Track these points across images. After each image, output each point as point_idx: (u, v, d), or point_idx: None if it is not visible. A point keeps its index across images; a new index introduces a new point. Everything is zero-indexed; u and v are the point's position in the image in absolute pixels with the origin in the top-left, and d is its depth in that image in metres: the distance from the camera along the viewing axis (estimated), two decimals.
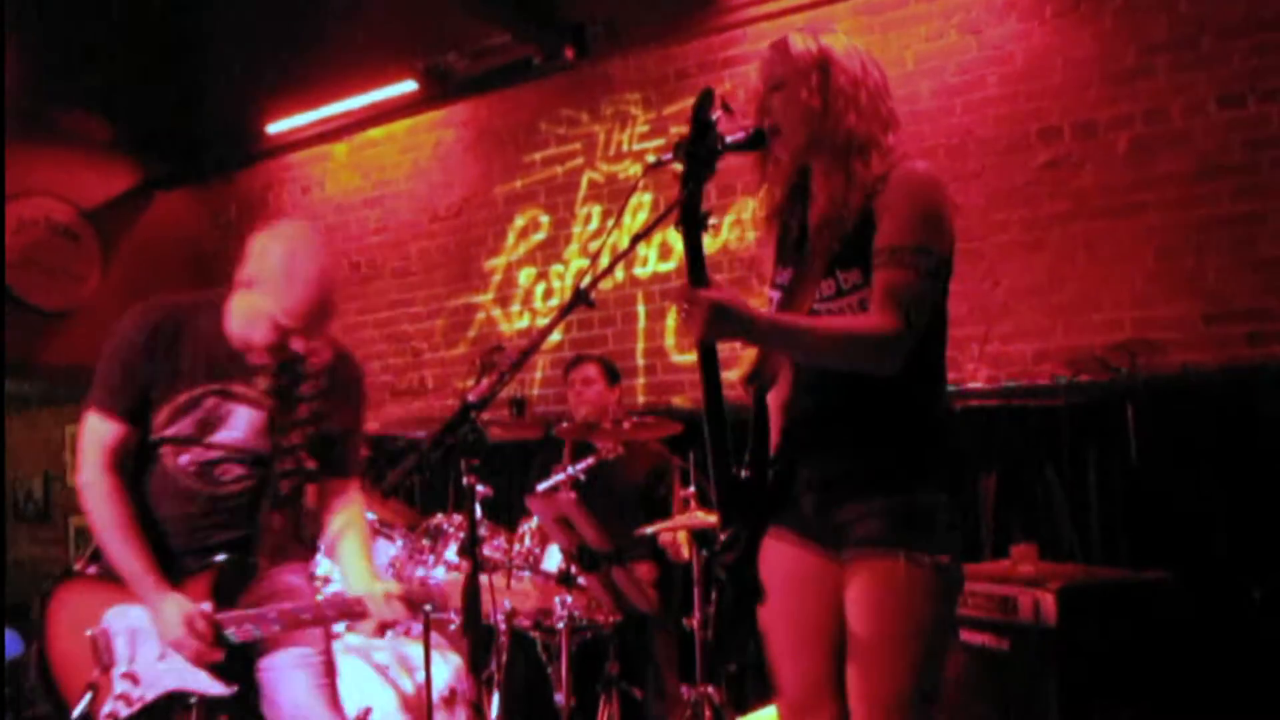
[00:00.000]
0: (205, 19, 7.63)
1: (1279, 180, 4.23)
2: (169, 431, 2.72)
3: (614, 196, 5.99)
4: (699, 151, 2.12)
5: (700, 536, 4.12)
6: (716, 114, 2.15)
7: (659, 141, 5.83)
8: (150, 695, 2.71)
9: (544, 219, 6.26)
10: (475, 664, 3.21)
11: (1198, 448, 4.12)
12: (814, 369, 2.26)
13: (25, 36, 6.78)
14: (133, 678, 2.72)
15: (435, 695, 3.91)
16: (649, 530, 4.15)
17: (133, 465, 2.76)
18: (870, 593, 2.18)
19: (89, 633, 2.73)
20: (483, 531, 4.06)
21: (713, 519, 3.87)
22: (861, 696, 2.18)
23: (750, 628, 2.34)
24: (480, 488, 3.14)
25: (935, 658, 2.22)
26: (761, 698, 4.16)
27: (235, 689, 2.71)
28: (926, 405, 2.27)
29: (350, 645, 4.11)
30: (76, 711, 2.69)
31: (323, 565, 4.20)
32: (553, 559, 4.12)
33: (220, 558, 2.73)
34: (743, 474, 2.21)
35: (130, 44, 7.44)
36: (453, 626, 4.09)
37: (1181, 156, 4.40)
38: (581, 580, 3.83)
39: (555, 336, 5.95)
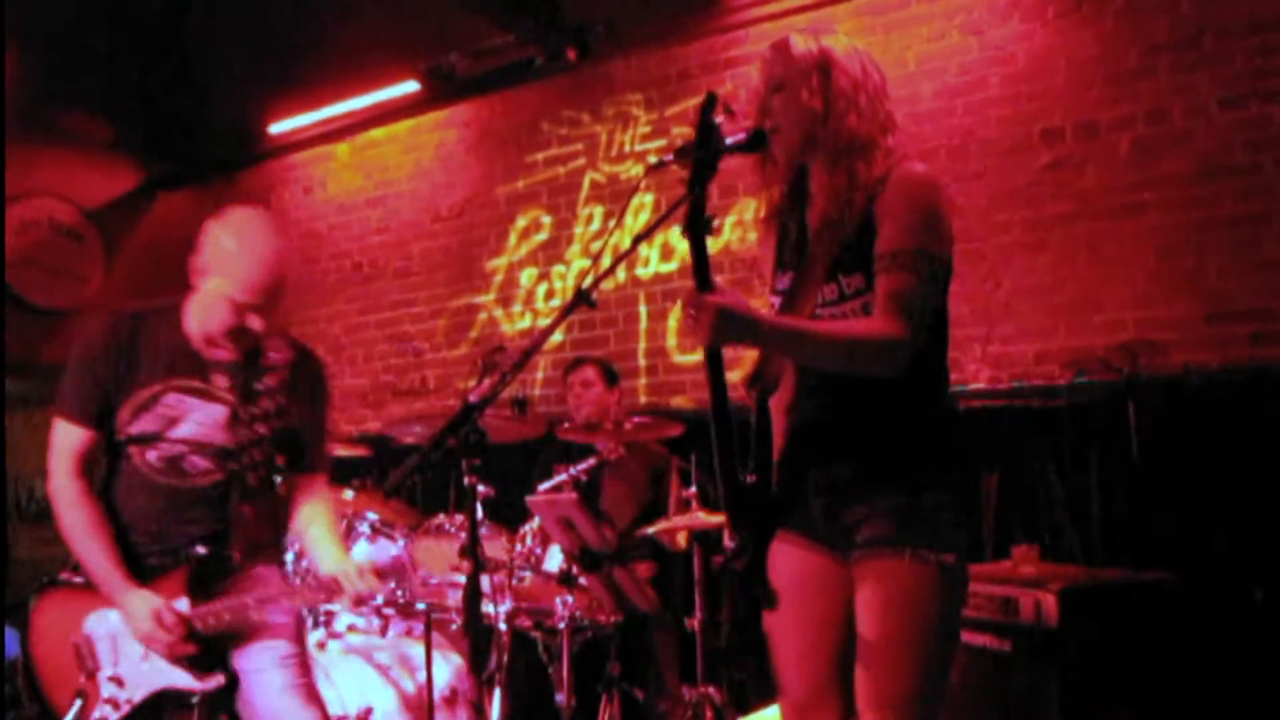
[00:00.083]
0: (207, 20, 7.63)
1: None
2: (133, 430, 2.76)
3: (616, 197, 5.99)
4: (703, 156, 2.12)
5: (702, 537, 4.11)
6: (720, 118, 2.15)
7: (661, 142, 5.83)
8: (138, 696, 2.73)
9: (546, 219, 6.26)
10: (476, 664, 3.21)
11: (1199, 448, 4.12)
12: (816, 371, 2.26)
13: (28, 37, 6.79)
14: (118, 681, 2.74)
15: (436, 695, 3.91)
16: (650, 530, 4.15)
17: (104, 468, 2.81)
18: (877, 593, 2.19)
19: (72, 640, 2.76)
20: (484, 532, 4.06)
21: (714, 520, 3.88)
22: (869, 696, 2.19)
23: (758, 631, 2.35)
24: (481, 488, 3.14)
25: (943, 657, 2.23)
26: (763, 698, 4.16)
27: (221, 680, 2.74)
28: (929, 406, 2.28)
29: (351, 645, 4.12)
30: (66, 719, 2.70)
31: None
32: (554, 559, 4.12)
33: (193, 551, 2.75)
34: (748, 479, 2.21)
35: (133, 45, 7.45)
36: (454, 627, 4.09)
37: (1183, 157, 4.40)
38: (583, 580, 3.83)
39: (557, 337, 5.95)
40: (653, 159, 5.06)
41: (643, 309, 5.88)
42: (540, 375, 6.16)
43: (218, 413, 2.81)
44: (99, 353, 2.77)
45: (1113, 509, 4.28)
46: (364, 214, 7.09)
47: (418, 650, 4.07)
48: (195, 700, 2.77)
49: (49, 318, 7.06)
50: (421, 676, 3.94)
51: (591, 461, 4.25)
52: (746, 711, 4.02)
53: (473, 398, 2.35)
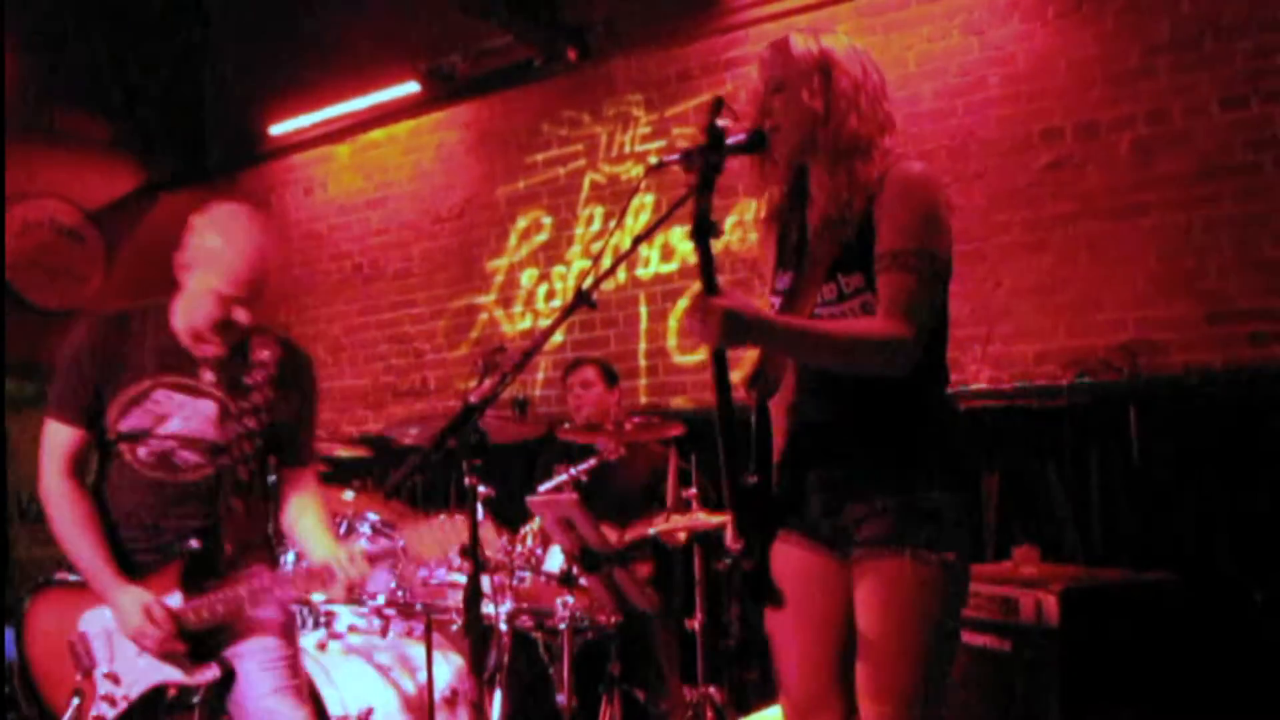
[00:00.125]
0: (208, 22, 7.64)
1: None
2: (122, 426, 2.78)
3: (616, 198, 5.99)
4: (711, 160, 2.12)
5: (702, 538, 4.11)
6: (725, 123, 2.15)
7: (661, 143, 5.83)
8: (135, 693, 2.74)
9: (546, 220, 6.26)
10: (477, 664, 3.21)
11: (1200, 448, 4.11)
12: (816, 371, 2.27)
13: (30, 39, 6.80)
14: (114, 678, 2.75)
15: (437, 695, 3.92)
16: (650, 531, 4.15)
17: (97, 468, 2.84)
18: (878, 592, 2.19)
19: (67, 639, 2.76)
20: (484, 532, 4.06)
21: (714, 520, 3.88)
22: (871, 695, 2.19)
23: (762, 632, 2.35)
24: (482, 488, 3.14)
25: (944, 655, 2.23)
26: (764, 699, 4.16)
27: (217, 673, 2.75)
28: (929, 404, 2.29)
29: (352, 646, 4.12)
30: (65, 718, 2.70)
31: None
32: (554, 560, 4.13)
33: (186, 546, 2.76)
34: (750, 480, 2.21)
35: (134, 46, 7.46)
36: (454, 627, 4.09)
37: (1184, 157, 4.40)
38: (583, 581, 3.83)
39: (557, 337, 5.95)
40: (653, 160, 5.03)
41: (643, 309, 5.88)
42: (541, 376, 6.17)
43: (206, 408, 2.82)
44: (86, 353, 2.79)
45: (1113, 509, 4.28)
46: (364, 215, 7.09)
47: (418, 651, 4.07)
48: (196, 701, 2.78)
49: (50, 318, 7.06)
50: (422, 677, 3.94)
51: (592, 462, 4.25)
52: (747, 712, 4.02)
53: (473, 398, 2.36)
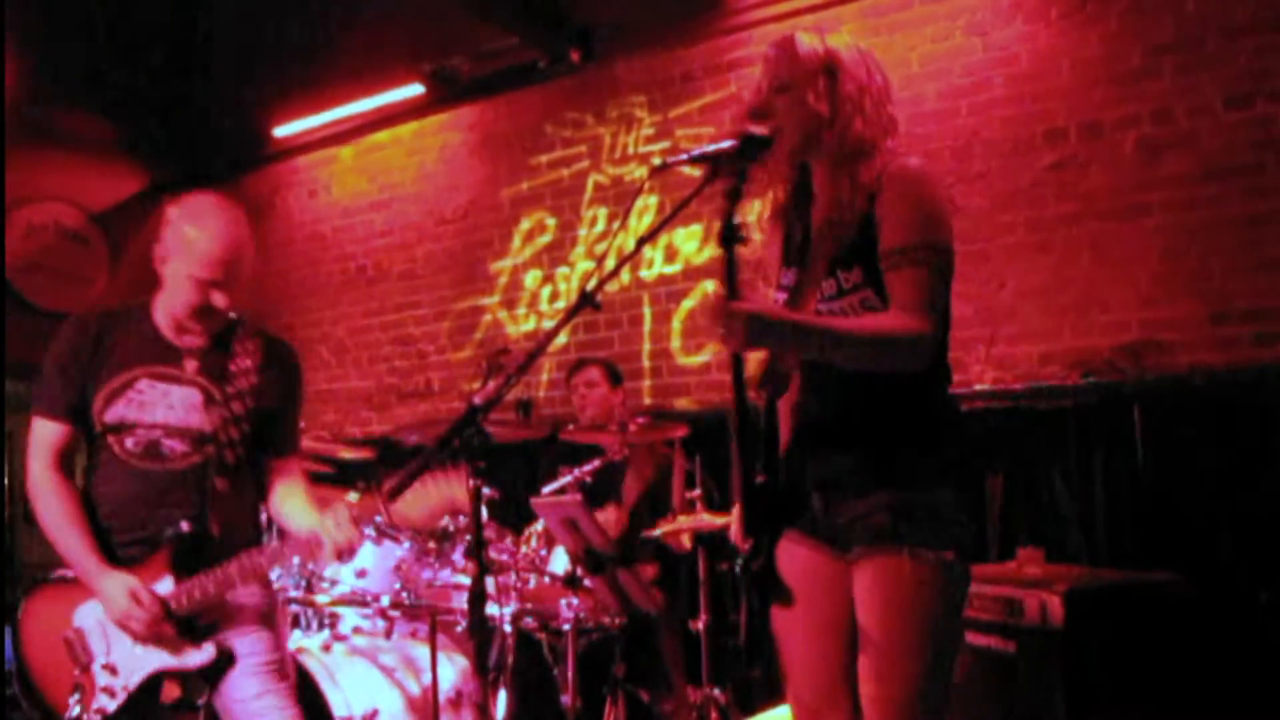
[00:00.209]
0: (212, 24, 7.66)
1: None
2: (108, 417, 2.81)
3: (620, 199, 6.00)
4: (742, 168, 2.14)
5: (707, 539, 4.11)
6: (760, 131, 2.17)
7: (665, 144, 5.83)
8: (134, 682, 2.75)
9: (550, 222, 6.27)
10: (481, 665, 3.21)
11: (1205, 449, 4.11)
12: (819, 369, 2.27)
13: (34, 42, 6.81)
14: (112, 669, 2.76)
15: (442, 697, 3.92)
16: (656, 532, 4.15)
17: (87, 464, 2.88)
18: (876, 590, 2.20)
19: (63, 635, 2.78)
20: (489, 534, 4.06)
21: (719, 521, 3.87)
22: (872, 694, 2.19)
23: (769, 631, 2.35)
24: (486, 490, 3.14)
25: (945, 653, 2.23)
26: (769, 699, 4.16)
27: (213, 653, 2.76)
28: (931, 403, 2.29)
29: (357, 647, 4.12)
30: (69, 715, 2.72)
31: (329, 567, 4.21)
32: (559, 561, 4.13)
33: (174, 529, 2.77)
34: (759, 479, 2.21)
35: (138, 49, 7.47)
36: (459, 628, 4.10)
37: (1188, 157, 4.40)
38: (588, 582, 3.83)
39: (561, 339, 5.96)
40: (657, 161, 5.07)
41: (647, 310, 5.88)
42: (545, 377, 6.17)
43: (191, 396, 2.85)
44: (69, 351, 2.84)
45: (1118, 510, 4.27)
46: (368, 217, 7.10)
47: (423, 652, 4.07)
48: (201, 703, 2.79)
49: (54, 321, 7.08)
50: (426, 678, 3.94)
51: (596, 463, 4.25)
52: (752, 712, 4.02)
53: (477, 400, 2.35)
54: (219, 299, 2.80)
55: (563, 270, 6.20)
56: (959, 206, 4.68)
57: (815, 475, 2.30)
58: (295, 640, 4.22)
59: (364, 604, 4.11)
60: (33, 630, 2.83)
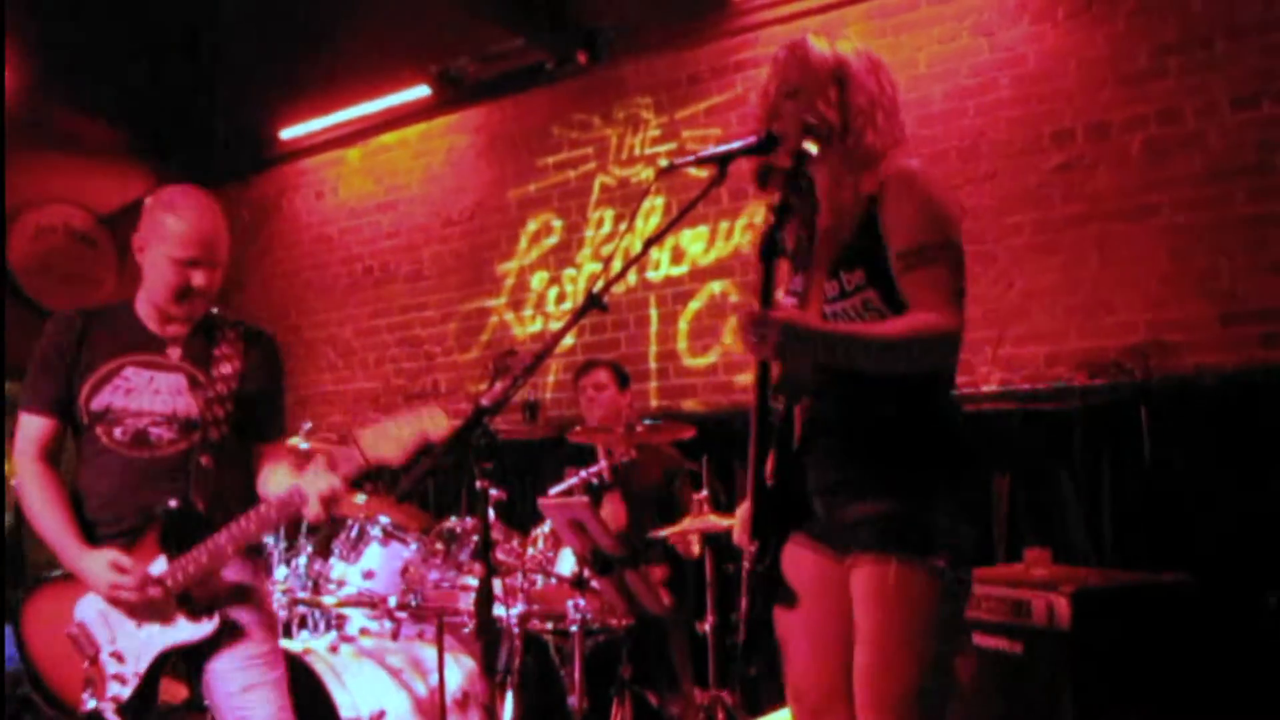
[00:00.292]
0: (219, 26, 7.67)
1: None
2: (95, 405, 2.85)
3: (626, 200, 6.00)
4: (798, 184, 2.14)
5: (714, 541, 4.11)
6: (812, 149, 2.16)
7: (671, 145, 5.84)
8: (143, 666, 2.78)
9: (556, 223, 6.27)
10: (489, 667, 3.22)
11: (1212, 450, 4.10)
12: (827, 373, 2.27)
13: (41, 45, 6.83)
14: (119, 656, 2.79)
15: (449, 698, 3.92)
16: (663, 533, 4.16)
17: (76, 457, 2.91)
18: (869, 596, 2.20)
19: (67, 632, 2.80)
20: (496, 535, 4.07)
21: (726, 523, 3.87)
22: (864, 700, 2.20)
23: (772, 632, 2.35)
24: (493, 491, 3.14)
25: (940, 660, 2.22)
26: (775, 701, 4.16)
27: (217, 623, 2.80)
28: (934, 406, 2.29)
29: (364, 648, 4.13)
30: (85, 709, 2.73)
31: (336, 569, 4.22)
32: (566, 562, 4.13)
33: (161, 507, 2.81)
34: (769, 483, 2.21)
35: (145, 51, 7.48)
36: (466, 630, 4.10)
37: (1195, 158, 4.39)
38: (595, 583, 3.83)
39: (568, 340, 5.96)
40: (663, 162, 5.08)
41: (653, 312, 5.88)
42: (551, 379, 6.17)
43: (177, 381, 2.91)
44: (53, 348, 2.90)
45: (1125, 511, 4.27)
46: (375, 218, 7.11)
47: (430, 653, 4.08)
48: (208, 703, 2.83)
49: None
50: (434, 679, 3.95)
51: (603, 464, 4.25)
52: (758, 714, 4.02)
53: (485, 401, 2.36)
54: (199, 278, 2.86)
55: (569, 272, 6.20)
56: (966, 207, 4.67)
57: (818, 480, 2.30)
58: (302, 641, 4.23)
59: (371, 605, 4.12)
60: (36, 631, 2.85)
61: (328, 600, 4.20)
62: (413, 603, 4.02)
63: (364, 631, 4.36)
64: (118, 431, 2.86)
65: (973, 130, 4.90)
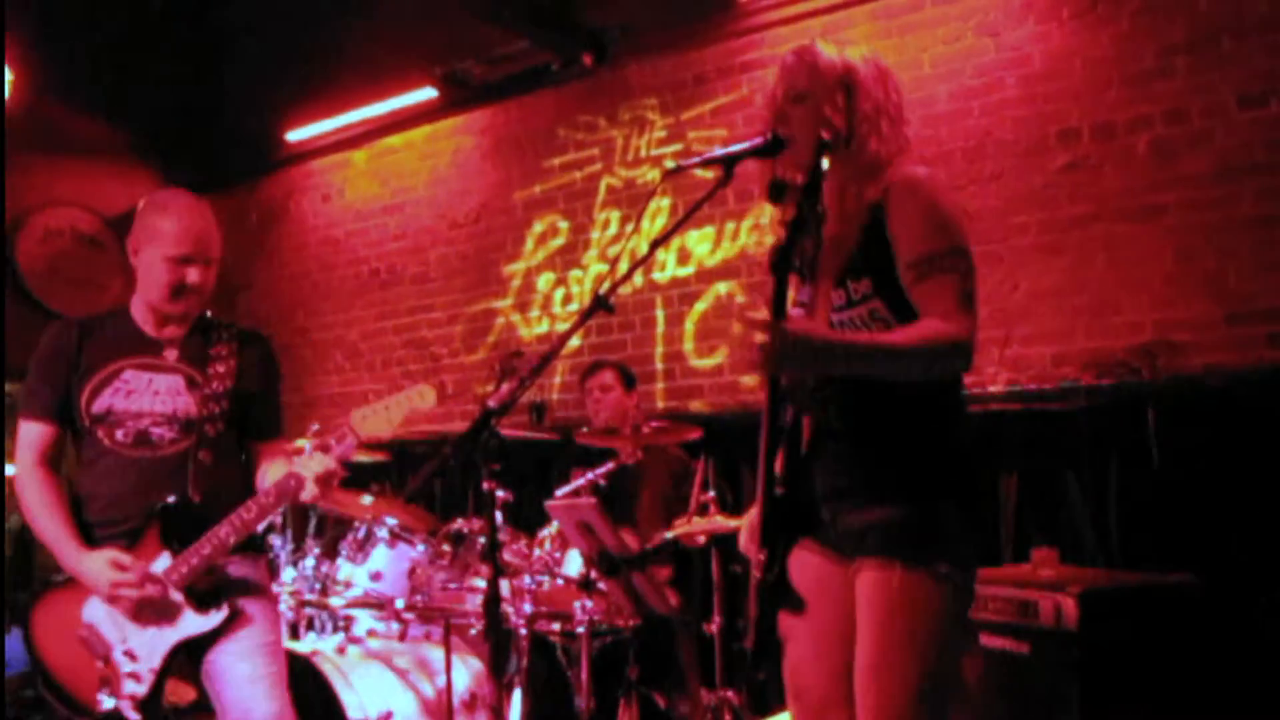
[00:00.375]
0: (225, 29, 7.69)
1: None
2: (96, 408, 2.90)
3: (632, 201, 6.00)
4: (811, 202, 2.13)
5: (720, 542, 4.12)
6: (828, 165, 2.16)
7: (677, 146, 5.84)
8: (156, 662, 2.82)
9: (563, 224, 6.28)
10: (496, 668, 3.22)
11: (1220, 450, 4.09)
12: (836, 382, 2.27)
13: (48, 48, 6.85)
14: (131, 654, 2.82)
15: (456, 699, 3.93)
16: (670, 534, 4.16)
17: (77, 460, 2.96)
18: (871, 601, 2.21)
19: (77, 635, 2.83)
20: (503, 536, 4.07)
21: (733, 523, 3.88)
22: (864, 703, 2.21)
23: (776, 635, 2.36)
24: (500, 493, 3.15)
25: (941, 665, 2.22)
26: (782, 702, 4.16)
27: (225, 613, 2.84)
28: (939, 411, 2.29)
29: (371, 650, 4.14)
30: (102, 709, 2.76)
31: (343, 570, 4.23)
32: (573, 564, 4.13)
33: (160, 505, 2.86)
34: (779, 491, 2.21)
35: (152, 54, 7.50)
36: (473, 631, 4.11)
37: (1202, 157, 4.38)
38: (602, 585, 3.84)
39: (574, 341, 5.96)
40: (670, 163, 5.08)
41: (660, 313, 5.89)
42: (558, 380, 6.18)
43: (175, 382, 2.96)
44: (51, 354, 2.95)
45: (1132, 511, 4.26)
46: (381, 220, 7.12)
47: (437, 654, 4.09)
48: (210, 694, 2.88)
49: None
50: (441, 681, 3.95)
51: (610, 466, 4.26)
52: (765, 715, 4.02)
53: (491, 403, 2.36)
54: (193, 274, 2.92)
55: (575, 273, 6.21)
56: (972, 208, 4.68)
57: (825, 486, 2.31)
58: (309, 643, 4.24)
59: (378, 607, 4.13)
60: (46, 634, 2.87)
61: (335, 602, 4.21)
62: (420, 604, 4.03)
63: (371, 633, 4.37)
64: (119, 433, 2.90)
65: (978, 130, 4.90)
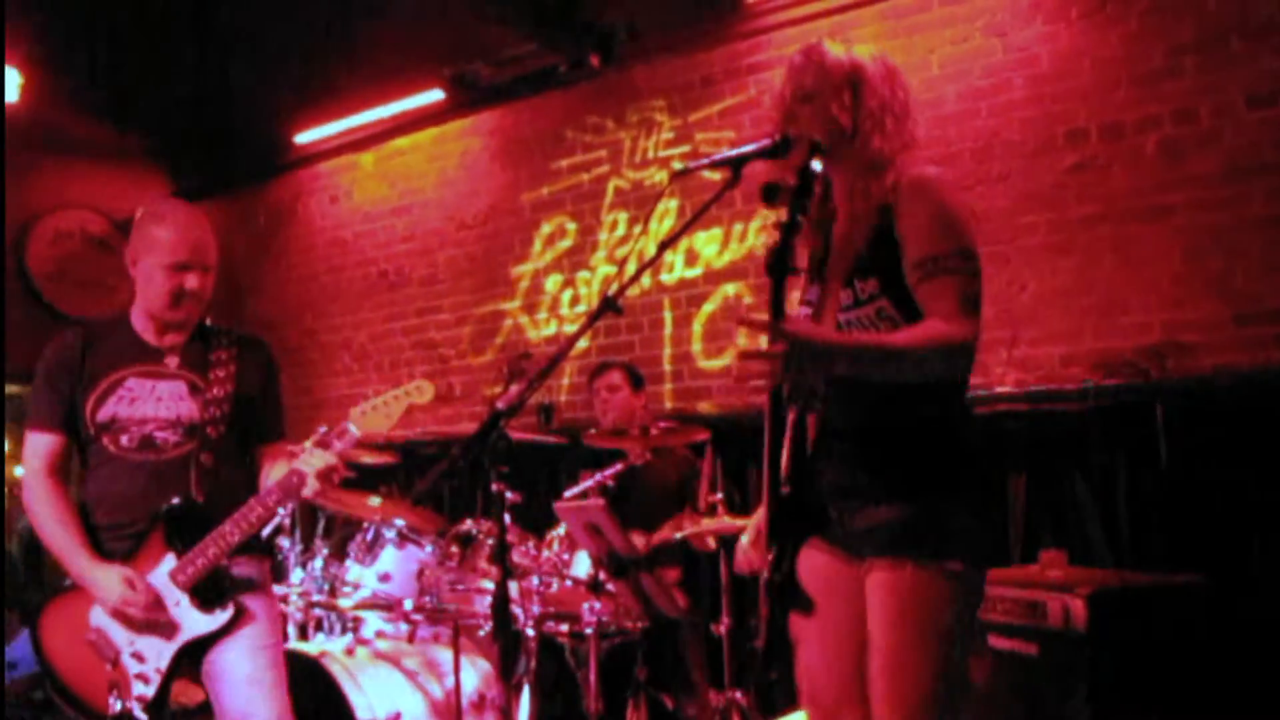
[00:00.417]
0: (234, 32, 7.71)
1: None
2: (101, 416, 2.93)
3: (640, 203, 6.01)
4: (801, 203, 2.13)
5: (729, 542, 4.11)
6: (818, 167, 2.16)
7: (685, 148, 5.84)
8: (164, 663, 2.84)
9: (570, 226, 6.28)
10: (504, 669, 3.23)
11: (1229, 450, 4.08)
12: (841, 381, 2.27)
13: (56, 52, 6.87)
14: (139, 656, 2.85)
15: (464, 701, 3.93)
16: (678, 536, 4.16)
17: (84, 468, 3.00)
18: (883, 602, 2.21)
19: (86, 639, 2.85)
20: (511, 538, 4.08)
21: (741, 524, 3.88)
22: (882, 699, 2.20)
23: (788, 635, 2.36)
24: (509, 494, 3.16)
25: (954, 663, 2.23)
26: (791, 703, 4.16)
27: (231, 612, 2.88)
28: (945, 410, 2.29)
29: (380, 651, 4.14)
30: (112, 712, 2.78)
31: (352, 571, 4.23)
32: (581, 565, 4.14)
33: (164, 508, 2.89)
34: (785, 490, 2.21)
35: (160, 58, 7.52)
36: (481, 633, 4.11)
37: (1210, 157, 4.37)
38: (610, 586, 3.84)
39: (582, 343, 5.97)
40: (677, 165, 5.06)
41: (667, 314, 5.89)
42: (566, 381, 6.18)
43: (177, 388, 2.99)
44: (55, 366, 2.98)
45: (1141, 512, 4.25)
46: (389, 222, 7.13)
47: (445, 656, 4.09)
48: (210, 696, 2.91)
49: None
50: (449, 682, 3.96)
51: (619, 467, 4.26)
52: (773, 716, 4.02)
53: (500, 405, 2.37)
54: (191, 281, 2.95)
55: (583, 274, 6.21)
56: (979, 209, 4.67)
57: (832, 485, 2.31)
58: (318, 644, 4.25)
59: (387, 608, 4.14)
60: (55, 639, 2.90)
61: (344, 603, 4.22)
62: (428, 605, 4.03)
63: (380, 634, 4.38)
64: (124, 439, 2.94)
65: (986, 131, 4.89)
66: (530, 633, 3.89)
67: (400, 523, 4.27)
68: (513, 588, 3.74)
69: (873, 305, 2.25)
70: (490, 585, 3.86)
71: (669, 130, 5.94)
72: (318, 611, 4.53)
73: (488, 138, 6.70)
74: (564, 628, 4.02)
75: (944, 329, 2.14)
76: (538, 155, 6.45)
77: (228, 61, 7.75)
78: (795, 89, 2.34)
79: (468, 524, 4.30)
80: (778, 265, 2.06)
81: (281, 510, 2.95)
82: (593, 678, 3.83)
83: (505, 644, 2.62)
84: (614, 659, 4.13)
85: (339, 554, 4.45)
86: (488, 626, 3.92)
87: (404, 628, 4.22)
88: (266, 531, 3.00)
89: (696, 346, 5.78)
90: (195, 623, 2.86)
